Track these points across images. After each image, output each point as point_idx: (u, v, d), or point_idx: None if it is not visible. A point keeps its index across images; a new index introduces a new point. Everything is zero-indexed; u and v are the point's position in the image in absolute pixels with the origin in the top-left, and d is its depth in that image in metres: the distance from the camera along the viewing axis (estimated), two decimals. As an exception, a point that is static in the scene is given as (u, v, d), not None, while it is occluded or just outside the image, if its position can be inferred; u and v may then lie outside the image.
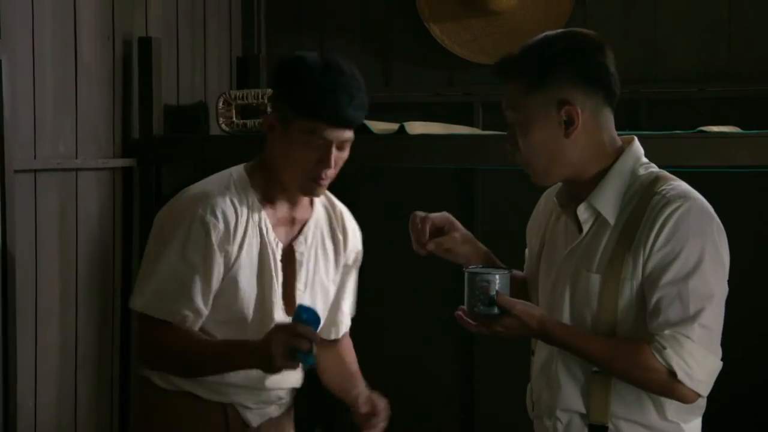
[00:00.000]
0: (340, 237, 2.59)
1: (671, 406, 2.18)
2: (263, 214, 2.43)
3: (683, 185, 2.20)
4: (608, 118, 2.23)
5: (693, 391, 2.12)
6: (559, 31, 2.27)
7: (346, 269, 2.65)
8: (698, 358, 2.10)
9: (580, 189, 2.24)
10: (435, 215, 2.42)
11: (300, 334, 2.19)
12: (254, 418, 2.50)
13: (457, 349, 4.25)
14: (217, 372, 2.39)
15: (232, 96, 3.83)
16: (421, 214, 2.43)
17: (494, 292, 2.16)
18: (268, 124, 2.42)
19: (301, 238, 2.50)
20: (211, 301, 2.38)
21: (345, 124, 2.35)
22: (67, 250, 3.16)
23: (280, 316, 2.43)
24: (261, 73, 4.28)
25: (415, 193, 4.28)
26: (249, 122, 3.80)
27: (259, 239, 2.41)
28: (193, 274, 2.34)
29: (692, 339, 2.10)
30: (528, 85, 2.19)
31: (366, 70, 4.28)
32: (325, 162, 2.36)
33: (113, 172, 3.43)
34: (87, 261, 3.26)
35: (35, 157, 3.00)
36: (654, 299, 2.12)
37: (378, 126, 3.66)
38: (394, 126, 3.65)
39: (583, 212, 2.22)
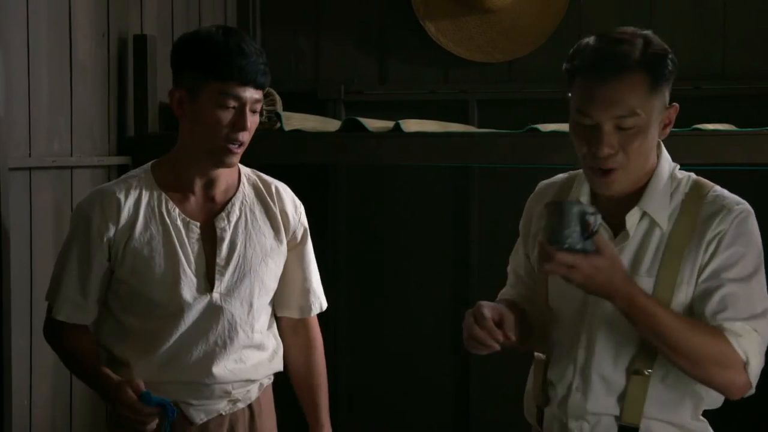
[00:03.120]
0: (276, 212, 2.57)
1: (703, 404, 2.19)
2: (164, 197, 2.46)
3: (726, 191, 2.21)
4: None
5: (750, 383, 2.12)
6: (625, 28, 2.17)
7: (295, 246, 2.62)
8: (762, 352, 2.11)
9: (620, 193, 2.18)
10: (486, 312, 2.15)
11: (141, 422, 2.34)
12: (198, 415, 2.47)
13: (453, 348, 4.24)
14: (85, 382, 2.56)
15: (228, 94, 3.83)
16: (480, 316, 2.14)
17: (596, 229, 2.02)
18: (175, 99, 2.44)
19: (222, 214, 2.50)
20: (96, 293, 2.47)
21: (255, 83, 2.39)
22: (62, 248, 3.15)
23: (192, 291, 2.43)
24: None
25: (410, 190, 4.28)
26: (244, 120, 3.80)
27: (159, 222, 2.45)
28: (72, 269, 2.46)
29: (761, 334, 2.10)
30: (651, 85, 2.10)
31: (361, 68, 4.35)
32: (240, 122, 2.39)
33: (108, 170, 3.43)
34: (82, 259, 3.26)
35: (30, 155, 2.99)
36: (719, 295, 2.10)
37: (373, 124, 3.66)
38: (390, 124, 3.65)
39: (632, 217, 2.16)
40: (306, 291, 2.65)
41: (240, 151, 2.43)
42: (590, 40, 2.15)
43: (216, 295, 2.45)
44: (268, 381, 2.61)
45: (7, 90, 2.80)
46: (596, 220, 2.02)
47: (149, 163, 2.55)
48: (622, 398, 2.17)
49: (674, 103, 2.18)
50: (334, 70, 4.32)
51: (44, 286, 2.96)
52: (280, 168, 4.26)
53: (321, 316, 2.74)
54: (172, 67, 2.49)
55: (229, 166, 2.46)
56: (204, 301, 2.44)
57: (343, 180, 4.32)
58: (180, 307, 2.43)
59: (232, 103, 2.38)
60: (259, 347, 2.54)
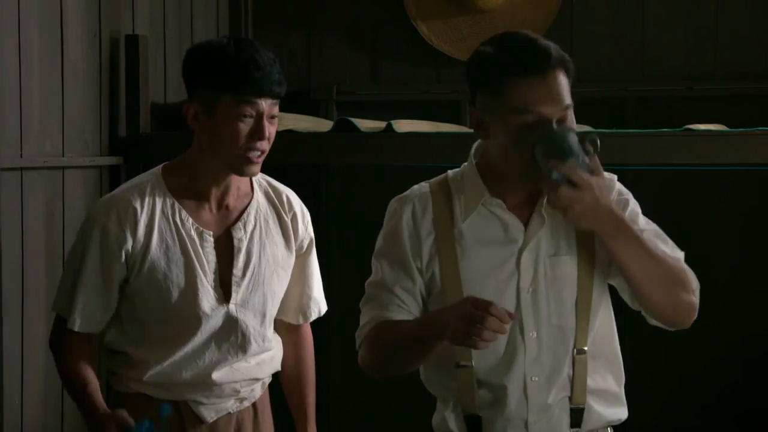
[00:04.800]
0: (288, 221, 2.57)
1: (618, 371, 2.27)
2: (177, 206, 2.44)
3: None
4: None
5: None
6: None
7: (302, 253, 2.63)
8: None
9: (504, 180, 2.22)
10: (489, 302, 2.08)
11: None
12: (209, 414, 2.49)
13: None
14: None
15: (220, 94, 3.83)
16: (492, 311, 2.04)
17: (599, 148, 2.06)
18: (191, 114, 2.42)
19: (239, 224, 2.49)
20: (115, 303, 2.44)
21: (271, 93, 2.40)
22: (53, 249, 3.15)
23: (211, 302, 2.43)
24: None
25: (402, 191, 4.26)
26: (236, 120, 3.80)
27: (175, 232, 2.43)
28: (90, 280, 2.42)
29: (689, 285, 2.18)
30: (568, 82, 2.14)
31: (354, 69, 4.35)
32: (259, 132, 2.38)
33: (100, 171, 3.43)
34: (74, 259, 3.25)
35: (21, 156, 2.99)
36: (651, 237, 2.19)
37: (365, 124, 3.66)
38: (382, 124, 3.66)
39: (545, 202, 2.18)
40: (307, 298, 2.67)
41: (260, 160, 2.42)
42: (493, 45, 2.19)
43: (232, 306, 2.46)
44: (269, 380, 2.63)
45: (-1, 90, 2.80)
46: (596, 146, 2.06)
47: (159, 167, 2.51)
48: (569, 377, 2.20)
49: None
50: (327, 70, 4.32)
51: (36, 287, 2.96)
52: (272, 168, 4.28)
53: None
54: (185, 79, 2.47)
55: (252, 175, 2.46)
56: (221, 312, 2.45)
57: (335, 180, 4.32)
58: (198, 318, 2.43)
59: (249, 114, 2.37)
60: (265, 349, 2.57)
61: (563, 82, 2.12)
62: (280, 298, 2.59)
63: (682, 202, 3.94)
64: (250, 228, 2.50)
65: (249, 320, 2.48)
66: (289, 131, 3.66)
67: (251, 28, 4.34)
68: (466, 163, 2.30)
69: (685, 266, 2.19)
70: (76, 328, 2.44)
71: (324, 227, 4.29)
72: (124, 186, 2.54)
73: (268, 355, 2.57)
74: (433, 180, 2.35)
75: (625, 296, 2.25)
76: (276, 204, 2.57)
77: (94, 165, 3.39)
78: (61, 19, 3.19)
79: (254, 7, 4.36)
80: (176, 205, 2.45)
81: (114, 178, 3.49)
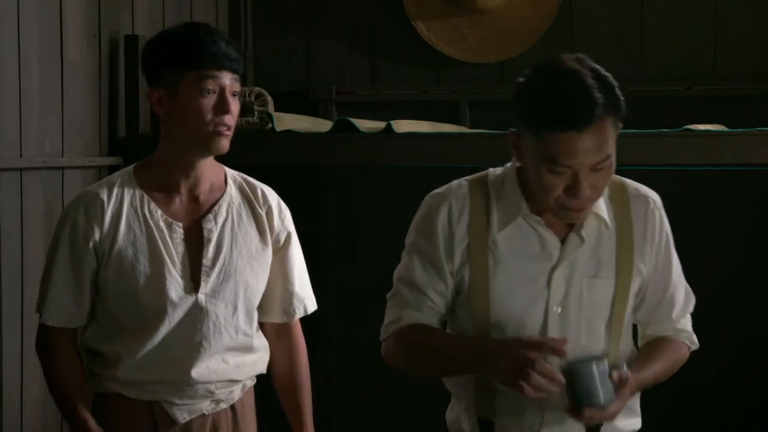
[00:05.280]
0: (263, 214, 2.55)
1: None
2: (146, 199, 2.47)
3: (635, 182, 2.31)
4: None
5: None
6: (576, 57, 2.12)
7: (279, 250, 2.60)
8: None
9: None
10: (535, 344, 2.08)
11: None
12: (181, 414, 2.47)
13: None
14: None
15: (219, 94, 3.83)
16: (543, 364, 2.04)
17: (627, 377, 2.09)
18: (155, 99, 2.45)
19: (209, 215, 2.50)
20: (88, 296, 2.46)
21: (231, 67, 2.41)
22: (53, 249, 3.15)
23: (178, 292, 2.44)
24: (248, 72, 4.28)
25: (401, 191, 4.27)
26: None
27: (143, 222, 2.45)
28: (61, 272, 2.45)
29: (690, 308, 2.33)
30: (616, 125, 2.07)
31: (353, 69, 4.35)
32: (223, 105, 2.40)
33: (99, 171, 3.43)
34: (73, 259, 3.25)
35: (21, 156, 2.99)
36: (668, 293, 2.28)
37: (365, 124, 3.66)
38: (381, 124, 3.65)
39: (588, 222, 2.17)
40: (289, 295, 2.62)
41: (229, 134, 2.43)
42: (542, 83, 2.09)
43: (201, 295, 2.45)
44: (251, 382, 2.60)
45: (-2, 90, 2.80)
46: (625, 373, 2.09)
47: (132, 166, 2.55)
48: None
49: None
50: (326, 70, 4.32)
51: (35, 287, 2.95)
52: (271, 168, 4.27)
53: (312, 318, 2.73)
54: (144, 70, 2.48)
55: (222, 150, 2.45)
56: (189, 301, 2.44)
57: (334, 181, 4.32)
58: (165, 307, 2.43)
59: (212, 88, 2.39)
60: (245, 349, 2.53)
61: (606, 132, 2.03)
62: (258, 292, 2.56)
63: (681, 202, 3.92)
64: (221, 219, 2.50)
65: (219, 310, 2.47)
66: (289, 131, 3.66)
67: (251, 28, 4.35)
68: (508, 164, 2.26)
69: (686, 341, 2.32)
70: (49, 322, 2.46)
71: (324, 227, 4.29)
72: (96, 183, 2.58)
73: (249, 358, 2.55)
74: (472, 178, 2.30)
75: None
76: (250, 198, 2.56)
77: (94, 165, 3.39)
78: (61, 20, 3.19)
79: (254, 7, 4.36)
80: (145, 197, 2.47)
81: (113, 178, 3.49)
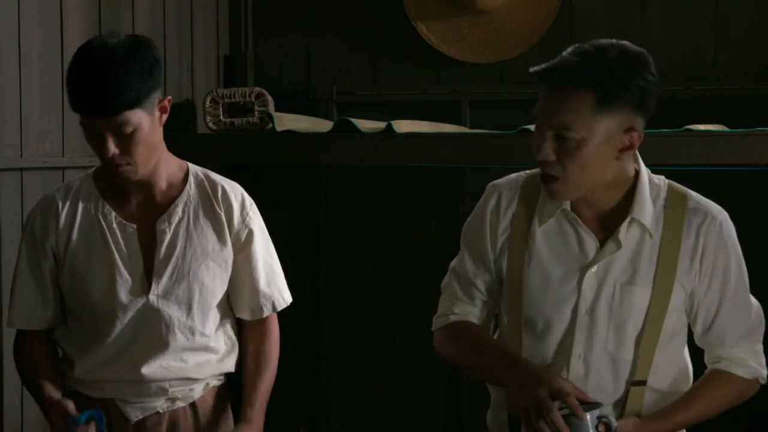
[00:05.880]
0: (221, 213, 2.52)
1: None
2: (102, 201, 2.48)
3: (701, 196, 2.28)
4: None
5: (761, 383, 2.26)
6: (614, 42, 2.13)
7: (242, 248, 2.56)
8: (762, 349, 2.25)
9: (599, 201, 2.19)
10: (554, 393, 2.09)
11: None
12: (134, 412, 2.47)
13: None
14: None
15: (220, 94, 3.84)
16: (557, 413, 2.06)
17: (615, 426, 2.08)
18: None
19: (164, 216, 2.49)
20: (53, 297, 2.50)
21: (100, 113, 2.29)
22: (53, 249, 3.15)
23: (129, 293, 2.43)
24: (248, 72, 4.28)
25: (402, 191, 4.28)
26: (236, 120, 3.81)
27: (96, 224, 2.47)
28: (24, 276, 2.50)
29: (761, 340, 2.22)
30: (597, 105, 2.06)
31: (353, 69, 4.35)
32: (102, 152, 2.34)
33: (100, 171, 3.42)
34: (73, 260, 3.25)
35: (21, 156, 2.99)
36: (721, 316, 2.21)
37: (365, 125, 3.67)
38: (382, 124, 3.66)
39: (626, 227, 2.17)
40: (255, 292, 2.58)
41: (125, 169, 2.37)
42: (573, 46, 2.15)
43: (152, 297, 2.45)
44: (217, 381, 2.57)
45: (-1, 90, 2.79)
46: (612, 421, 2.07)
47: (92, 169, 2.57)
48: (618, 405, 2.18)
49: (637, 131, 2.13)
50: (326, 70, 4.32)
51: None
52: (272, 168, 4.28)
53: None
54: None
55: (124, 181, 2.41)
56: (140, 302, 2.44)
57: (335, 181, 4.32)
58: (115, 309, 2.43)
59: (97, 132, 2.33)
60: (205, 349, 2.51)
61: (573, 102, 2.06)
62: (216, 292, 2.52)
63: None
64: (175, 220, 2.49)
65: (173, 312, 2.45)
66: (289, 131, 3.66)
67: (251, 28, 4.34)
68: None
69: (743, 373, 2.23)
70: (15, 325, 2.51)
71: (324, 227, 4.29)
72: (56, 186, 2.60)
73: (211, 357, 2.53)
74: (532, 171, 2.31)
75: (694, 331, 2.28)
76: (209, 196, 2.53)
77: (94, 165, 3.38)
78: (61, 20, 3.18)
79: (254, 8, 4.36)
80: (101, 200, 2.49)
81: (114, 178, 3.49)
